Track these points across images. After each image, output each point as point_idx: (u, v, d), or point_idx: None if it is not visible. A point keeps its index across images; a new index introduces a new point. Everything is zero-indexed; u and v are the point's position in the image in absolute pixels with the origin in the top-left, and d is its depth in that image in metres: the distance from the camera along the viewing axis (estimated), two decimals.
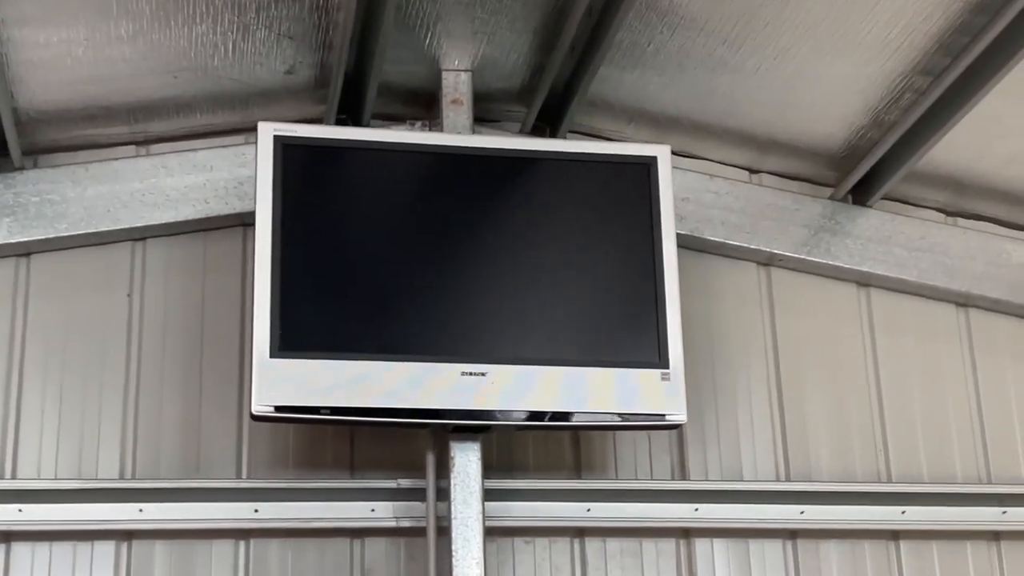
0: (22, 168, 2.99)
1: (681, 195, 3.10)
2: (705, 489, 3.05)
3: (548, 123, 3.16)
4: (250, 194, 2.86)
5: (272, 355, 2.66)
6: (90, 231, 2.99)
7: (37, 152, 3.06)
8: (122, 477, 2.89)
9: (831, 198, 3.29)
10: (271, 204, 2.74)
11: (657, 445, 3.10)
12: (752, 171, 3.31)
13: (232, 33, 2.78)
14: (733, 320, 3.21)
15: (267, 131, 2.79)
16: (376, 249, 2.79)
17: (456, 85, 3.03)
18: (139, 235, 3.03)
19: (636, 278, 2.85)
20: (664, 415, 2.79)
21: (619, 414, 2.77)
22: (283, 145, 2.78)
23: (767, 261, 3.26)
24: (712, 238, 3.20)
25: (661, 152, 2.93)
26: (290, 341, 2.68)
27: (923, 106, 2.93)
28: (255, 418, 2.66)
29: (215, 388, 2.98)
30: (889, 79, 2.92)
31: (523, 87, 3.08)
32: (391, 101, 3.09)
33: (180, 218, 3.02)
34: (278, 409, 2.66)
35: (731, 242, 3.21)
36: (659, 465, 3.09)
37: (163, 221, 3.01)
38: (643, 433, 3.08)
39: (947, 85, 2.85)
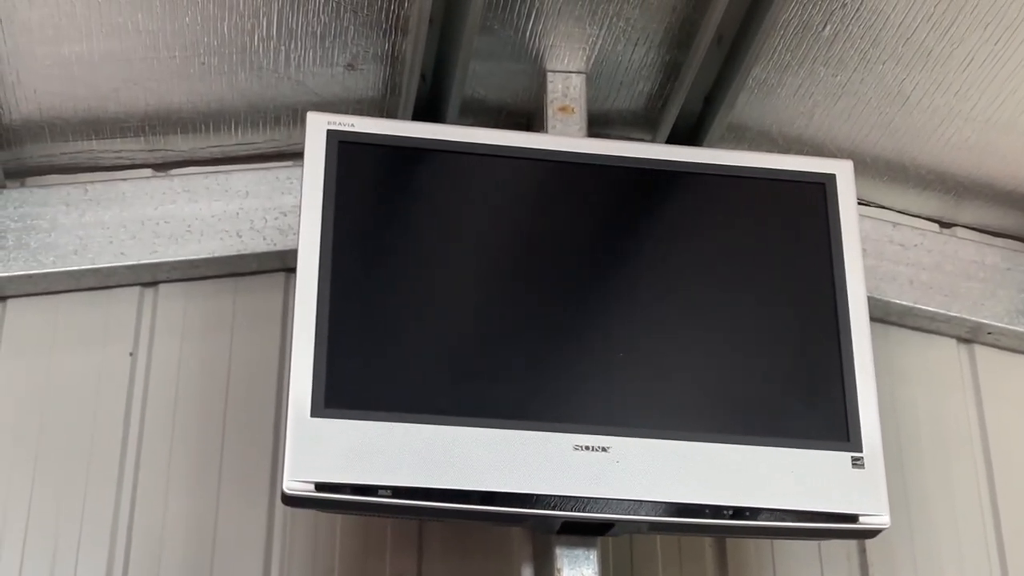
0: (2, 187, 2.31)
1: None
2: None
3: None
4: (295, 228, 2.12)
5: (314, 413, 1.90)
6: (85, 267, 2.27)
7: (25, 175, 2.37)
8: None
9: None
10: (320, 216, 2.02)
11: (832, 569, 2.29)
12: (943, 224, 2.58)
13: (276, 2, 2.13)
14: (926, 411, 2.44)
15: (318, 124, 2.08)
16: (461, 279, 2.05)
17: (566, 90, 2.33)
18: (149, 277, 2.32)
19: (810, 327, 2.08)
20: (857, 515, 1.99)
21: (796, 512, 1.99)
22: (340, 143, 2.08)
23: (971, 335, 2.49)
24: (898, 302, 2.45)
25: (841, 169, 2.19)
26: (339, 395, 1.92)
27: None
28: (288, 500, 1.88)
29: (239, 479, 2.22)
30: None
31: (649, 102, 2.39)
32: (479, 114, 2.40)
33: (204, 254, 2.31)
34: (320, 488, 1.89)
35: (923, 307, 2.45)
36: None
37: (182, 258, 2.30)
38: (813, 551, 2.29)
39: None
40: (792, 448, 1.99)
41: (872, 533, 2.02)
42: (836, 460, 2.00)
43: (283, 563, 2.19)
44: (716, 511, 1.96)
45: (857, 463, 2.01)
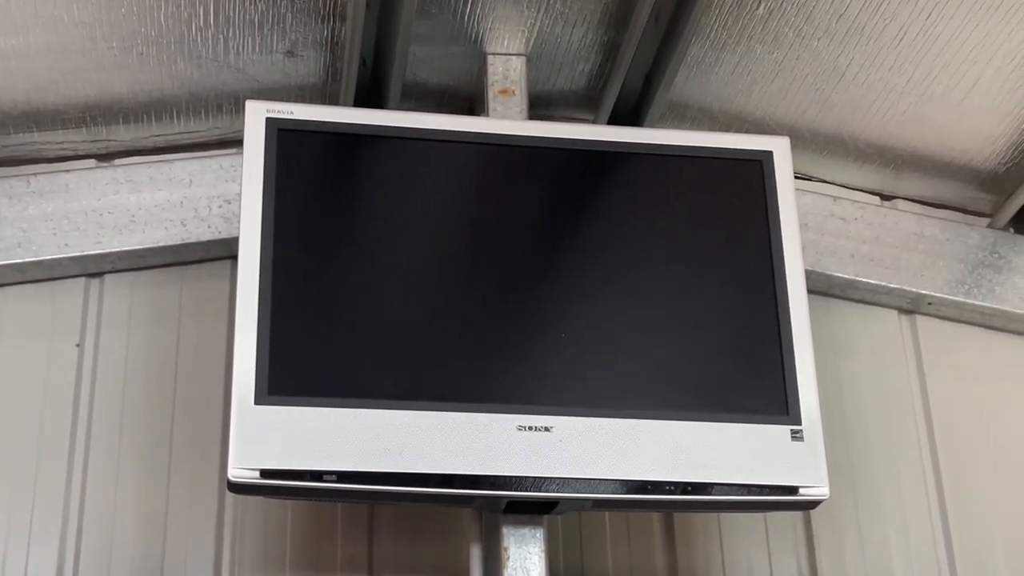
0: None
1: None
2: None
3: None
4: (240, 216, 2.12)
5: (258, 401, 1.92)
6: (29, 260, 2.28)
7: None
8: None
9: (990, 227, 2.57)
10: (261, 205, 2.03)
11: (778, 540, 2.32)
12: (884, 196, 2.60)
13: None
14: (869, 381, 2.46)
15: (257, 112, 2.09)
16: (403, 264, 2.06)
17: (506, 73, 2.34)
18: (94, 267, 2.32)
19: (750, 303, 2.10)
20: (797, 487, 2.02)
21: (738, 485, 2.01)
22: (279, 131, 2.08)
23: (912, 306, 2.51)
24: (840, 275, 2.47)
25: (778, 145, 2.21)
26: (283, 382, 1.93)
27: None
28: (233, 488, 1.90)
29: (189, 467, 2.23)
30: None
31: (590, 83, 2.40)
32: (422, 98, 2.42)
33: (149, 244, 2.31)
34: (265, 474, 1.90)
35: (864, 279, 2.47)
36: (782, 571, 2.31)
37: (127, 248, 2.30)
38: (759, 523, 2.31)
39: None
40: (733, 423, 2.01)
41: (812, 504, 2.05)
42: (776, 433, 2.02)
43: (235, 549, 2.21)
44: (658, 487, 1.98)
45: (796, 436, 2.03)
